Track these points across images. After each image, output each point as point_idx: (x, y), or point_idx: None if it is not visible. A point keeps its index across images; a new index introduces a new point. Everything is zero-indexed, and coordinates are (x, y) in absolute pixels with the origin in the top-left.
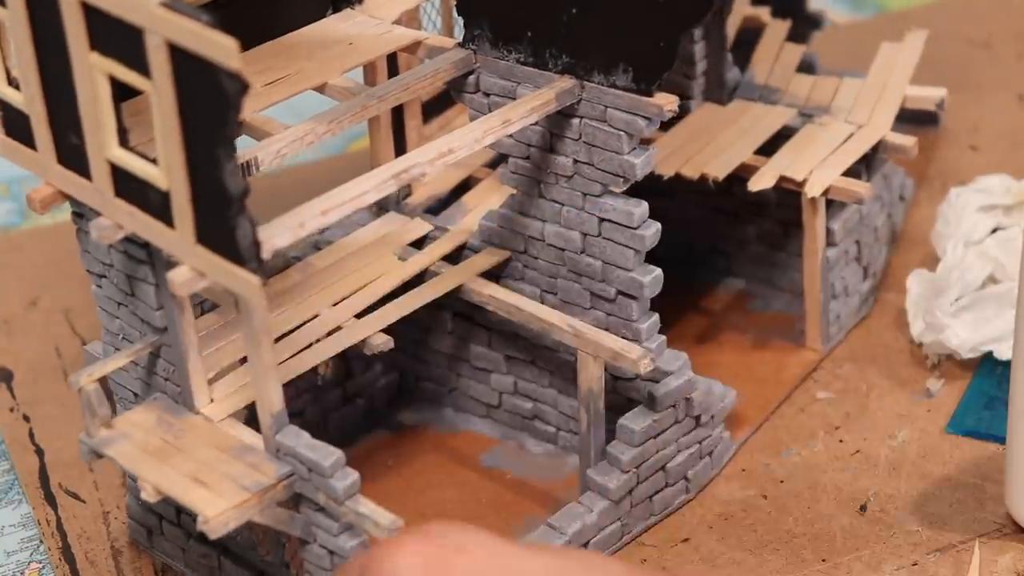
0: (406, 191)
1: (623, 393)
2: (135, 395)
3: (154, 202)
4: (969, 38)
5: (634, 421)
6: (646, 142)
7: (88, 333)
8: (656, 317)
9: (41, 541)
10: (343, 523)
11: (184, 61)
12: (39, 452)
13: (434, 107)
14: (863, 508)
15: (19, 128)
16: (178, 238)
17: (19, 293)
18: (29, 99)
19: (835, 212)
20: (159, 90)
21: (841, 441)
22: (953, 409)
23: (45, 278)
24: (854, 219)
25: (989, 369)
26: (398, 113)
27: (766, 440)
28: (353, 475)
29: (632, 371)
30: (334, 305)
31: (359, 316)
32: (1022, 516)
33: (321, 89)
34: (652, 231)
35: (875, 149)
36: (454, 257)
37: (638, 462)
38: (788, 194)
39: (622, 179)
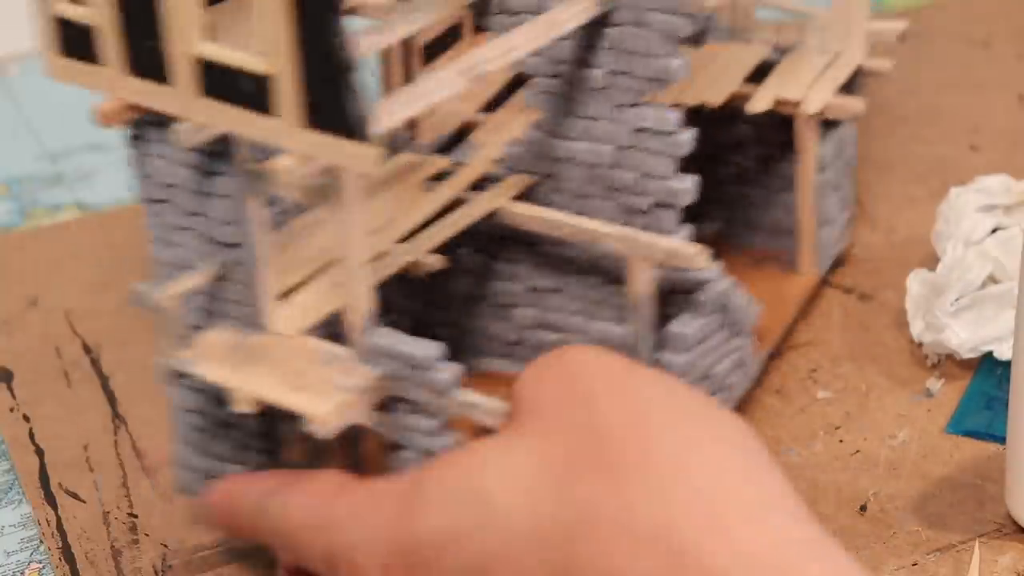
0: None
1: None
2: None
3: (248, 91)
4: (969, 38)
5: (685, 326)
6: None
7: (88, 334)
8: (690, 227)
9: (41, 541)
10: (442, 420)
11: None
12: (39, 452)
13: (434, 50)
14: (863, 508)
15: (80, 46)
16: (280, 124)
17: (19, 293)
18: (96, 8)
19: (824, 137)
20: None
21: (841, 441)
22: (953, 409)
23: (45, 278)
24: (838, 147)
25: (989, 369)
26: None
27: (765, 440)
28: (456, 367)
29: (690, 268)
30: (372, 233)
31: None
32: (1022, 515)
33: (355, 10)
34: (688, 135)
35: (854, 76)
36: (478, 188)
37: (689, 368)
38: (767, 128)
39: (660, 83)
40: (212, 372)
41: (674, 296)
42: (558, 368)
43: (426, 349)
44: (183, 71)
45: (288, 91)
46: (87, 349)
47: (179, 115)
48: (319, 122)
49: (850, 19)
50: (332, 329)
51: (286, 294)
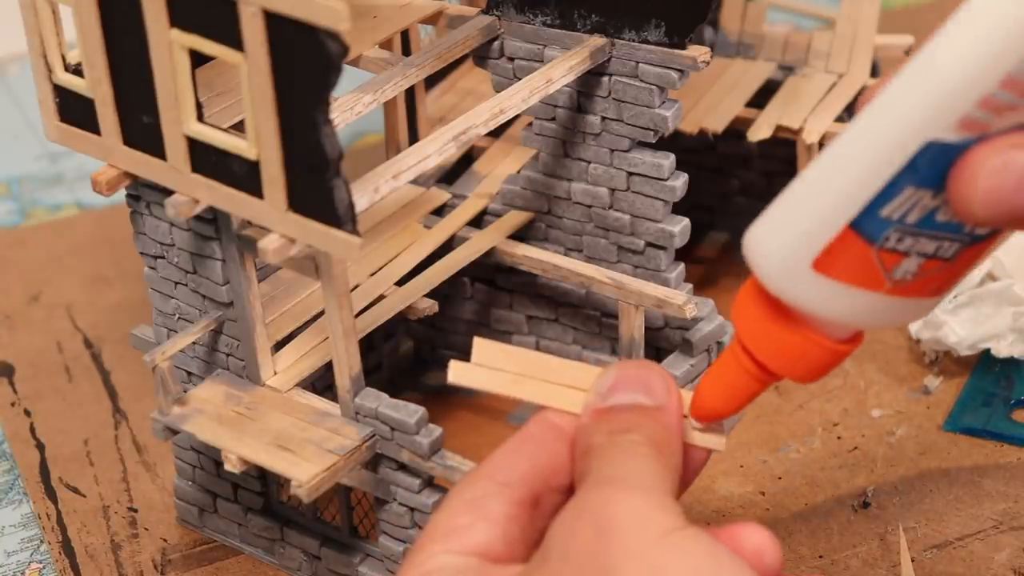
0: None
1: (651, 343)
2: (188, 374)
3: (239, 173)
4: None
5: (673, 367)
6: None
7: (90, 329)
8: (682, 266)
9: (42, 541)
10: (425, 479)
11: (281, 28)
12: (40, 446)
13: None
14: (865, 505)
15: (79, 113)
16: (267, 207)
17: (20, 288)
18: (94, 82)
19: None
20: (252, 59)
21: (839, 438)
22: (951, 406)
23: (47, 273)
24: None
25: (987, 366)
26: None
27: (764, 437)
28: (437, 430)
29: (677, 317)
30: (372, 275)
31: (398, 284)
32: (758, 261)
33: (355, 63)
34: (681, 182)
35: (858, 94)
36: (476, 223)
37: None
38: (771, 144)
39: (652, 133)
40: (204, 431)
41: (667, 331)
42: (594, 524)
43: (408, 414)
44: (176, 147)
45: (275, 177)
46: (88, 344)
47: (172, 187)
48: (304, 208)
49: (856, 36)
50: (326, 378)
51: (278, 345)
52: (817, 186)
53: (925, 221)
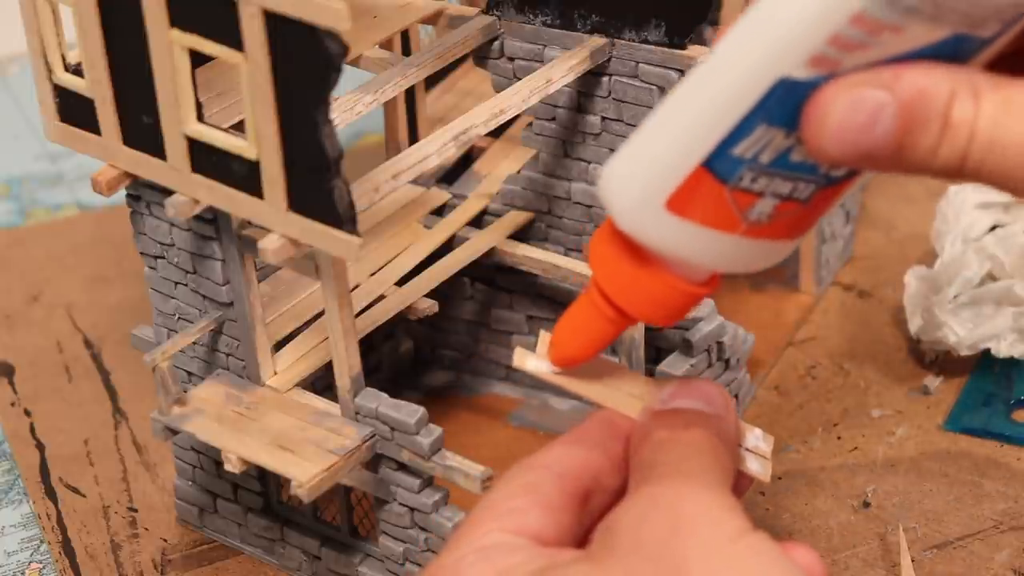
0: None
1: (651, 343)
2: (188, 375)
3: (239, 174)
4: None
5: (673, 367)
6: None
7: (90, 329)
8: None
9: (42, 541)
10: (425, 479)
11: (281, 28)
12: (40, 447)
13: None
14: (865, 505)
15: (79, 113)
16: (267, 207)
17: (21, 288)
18: (94, 82)
19: None
20: (252, 59)
21: (839, 438)
22: (951, 406)
23: (47, 273)
24: None
25: (987, 366)
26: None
27: None
28: (437, 431)
29: None
30: (372, 275)
31: (398, 284)
32: (615, 203)
33: (355, 63)
34: None
35: None
36: (476, 222)
37: None
38: None
39: None
40: (203, 431)
41: (666, 331)
42: (667, 518)
43: (408, 414)
44: (176, 147)
45: (275, 177)
46: (88, 344)
47: (172, 187)
48: (304, 208)
49: None
50: (326, 378)
51: (278, 345)
52: (668, 124)
53: (779, 161)
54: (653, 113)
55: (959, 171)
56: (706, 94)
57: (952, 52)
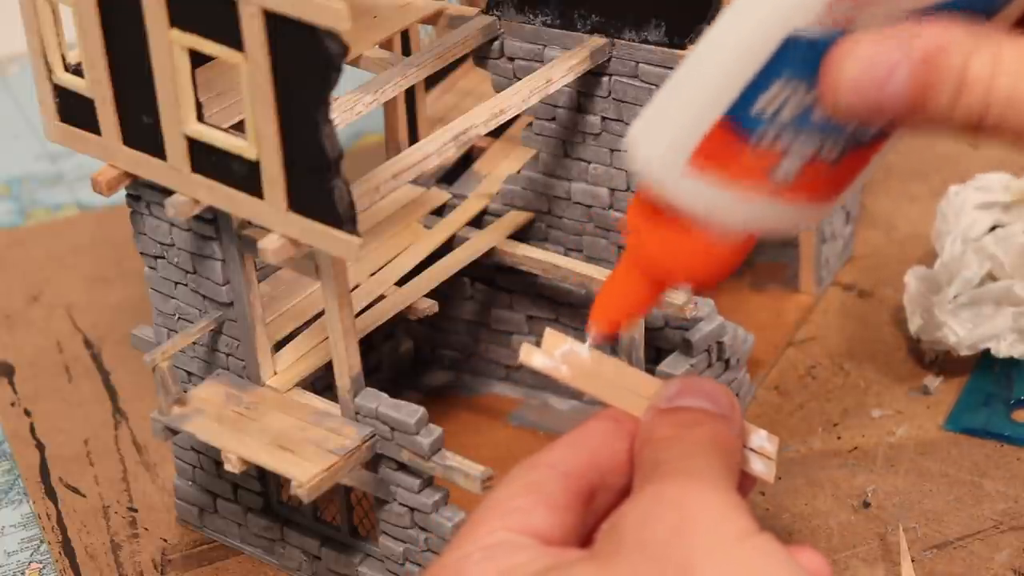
0: None
1: (651, 343)
2: (188, 375)
3: (239, 173)
4: None
5: (673, 367)
6: None
7: (90, 329)
8: None
9: (42, 541)
10: (425, 479)
11: (281, 27)
12: (40, 447)
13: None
14: (865, 505)
15: (79, 113)
16: (267, 207)
17: (21, 288)
18: (94, 82)
19: None
20: (252, 59)
21: (839, 438)
22: (951, 406)
23: (47, 273)
24: None
25: (987, 366)
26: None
27: None
28: (437, 431)
29: (677, 316)
30: (372, 275)
31: (399, 284)
32: (641, 164)
33: (355, 63)
34: None
35: None
36: (476, 222)
37: None
38: None
39: None
40: (204, 431)
41: (666, 331)
42: (673, 517)
43: (408, 414)
44: (176, 147)
45: (275, 177)
46: (88, 344)
47: (172, 187)
48: (304, 208)
49: None
50: (326, 378)
51: (278, 345)
52: (687, 82)
53: (802, 119)
54: (673, 73)
55: (978, 128)
56: (721, 50)
57: (972, 7)
